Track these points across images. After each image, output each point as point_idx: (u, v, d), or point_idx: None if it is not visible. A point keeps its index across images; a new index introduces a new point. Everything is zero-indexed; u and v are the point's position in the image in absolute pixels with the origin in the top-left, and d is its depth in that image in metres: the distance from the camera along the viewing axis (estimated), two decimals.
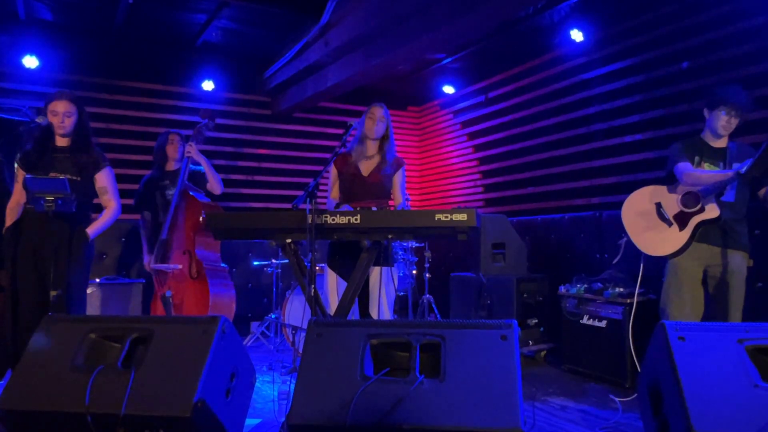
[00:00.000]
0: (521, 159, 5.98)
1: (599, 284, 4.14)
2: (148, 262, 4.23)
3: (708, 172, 3.21)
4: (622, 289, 3.95)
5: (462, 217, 2.45)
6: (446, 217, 2.46)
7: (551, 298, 4.65)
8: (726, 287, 3.17)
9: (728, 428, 1.72)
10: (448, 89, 6.83)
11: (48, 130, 3.30)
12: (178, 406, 1.95)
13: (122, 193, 4.56)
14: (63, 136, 3.34)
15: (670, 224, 3.28)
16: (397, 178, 3.45)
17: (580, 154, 5.29)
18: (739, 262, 3.19)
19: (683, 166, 3.25)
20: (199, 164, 4.26)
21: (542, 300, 4.73)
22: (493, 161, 6.39)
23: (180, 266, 3.95)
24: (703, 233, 3.20)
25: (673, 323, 1.95)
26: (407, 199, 3.59)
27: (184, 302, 3.93)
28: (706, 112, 3.28)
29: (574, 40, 5.09)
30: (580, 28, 5.02)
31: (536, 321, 4.67)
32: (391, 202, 3.50)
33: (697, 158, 3.29)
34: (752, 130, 3.81)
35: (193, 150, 4.13)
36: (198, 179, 4.31)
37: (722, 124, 3.18)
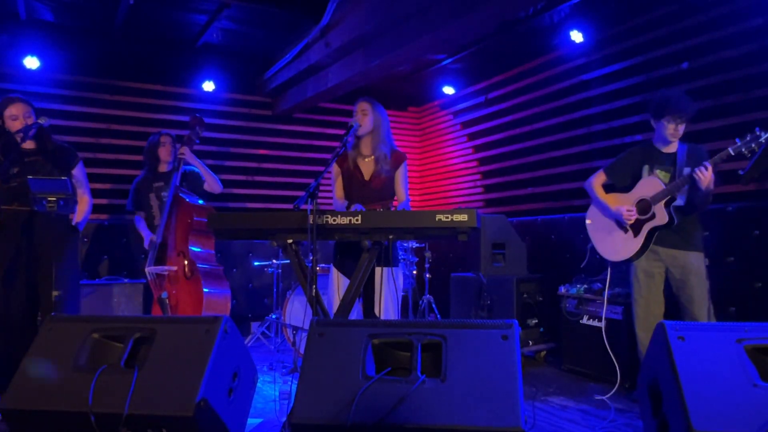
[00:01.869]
0: (521, 159, 5.99)
1: (599, 284, 4.15)
2: (152, 237, 4.15)
3: (598, 198, 3.55)
4: (621, 290, 3.96)
5: (462, 217, 2.46)
6: (447, 217, 2.47)
7: (551, 298, 4.66)
8: (686, 287, 3.28)
9: (727, 427, 1.73)
10: (448, 90, 6.83)
11: (9, 136, 3.24)
12: (181, 406, 1.97)
13: (124, 195, 4.58)
14: (29, 139, 3.31)
15: (626, 231, 3.43)
16: (399, 175, 3.40)
17: (581, 154, 5.30)
18: (695, 261, 3.28)
19: (591, 179, 3.60)
20: (192, 164, 4.26)
21: (542, 300, 4.74)
22: (493, 162, 6.40)
23: (175, 268, 3.97)
24: (659, 237, 3.32)
25: (673, 323, 1.96)
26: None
27: (180, 303, 3.95)
28: (652, 122, 3.37)
29: (574, 41, 5.09)
30: (579, 29, 5.02)
31: (536, 321, 4.68)
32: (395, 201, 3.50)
33: (646, 166, 3.40)
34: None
35: (186, 153, 4.12)
36: (194, 180, 4.31)
37: (670, 132, 3.30)
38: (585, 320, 4.14)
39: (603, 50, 5.02)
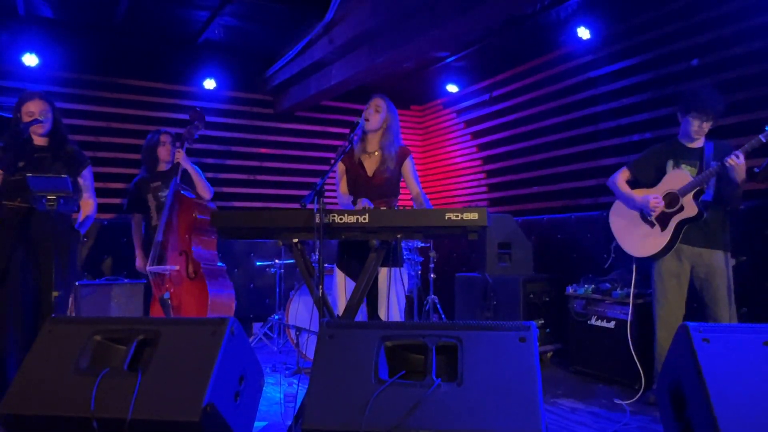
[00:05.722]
0: (526, 158, 5.93)
1: (607, 285, 4.09)
2: (141, 265, 4.15)
3: (623, 192, 3.48)
4: (628, 290, 3.90)
5: (473, 216, 2.40)
6: (457, 216, 2.41)
7: (558, 298, 4.60)
8: (711, 287, 3.22)
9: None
10: (452, 88, 6.77)
11: (21, 130, 3.22)
12: (187, 411, 1.89)
13: (124, 194, 4.51)
14: (41, 135, 3.30)
15: (652, 225, 3.35)
16: (407, 170, 3.32)
17: (587, 153, 5.24)
18: (721, 260, 3.22)
19: (615, 176, 3.53)
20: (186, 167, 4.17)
21: (548, 300, 4.68)
22: (498, 160, 6.34)
23: (177, 267, 3.89)
24: (685, 234, 3.25)
25: (697, 325, 1.90)
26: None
27: (183, 304, 3.87)
28: (679, 116, 3.31)
29: (580, 38, 5.03)
30: (586, 26, 4.96)
31: (542, 322, 4.62)
32: (409, 200, 3.43)
33: (671, 161, 3.33)
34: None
35: (181, 157, 4.00)
36: (189, 181, 4.23)
37: (694, 129, 3.24)
38: (593, 321, 4.07)
39: (610, 47, 4.96)
